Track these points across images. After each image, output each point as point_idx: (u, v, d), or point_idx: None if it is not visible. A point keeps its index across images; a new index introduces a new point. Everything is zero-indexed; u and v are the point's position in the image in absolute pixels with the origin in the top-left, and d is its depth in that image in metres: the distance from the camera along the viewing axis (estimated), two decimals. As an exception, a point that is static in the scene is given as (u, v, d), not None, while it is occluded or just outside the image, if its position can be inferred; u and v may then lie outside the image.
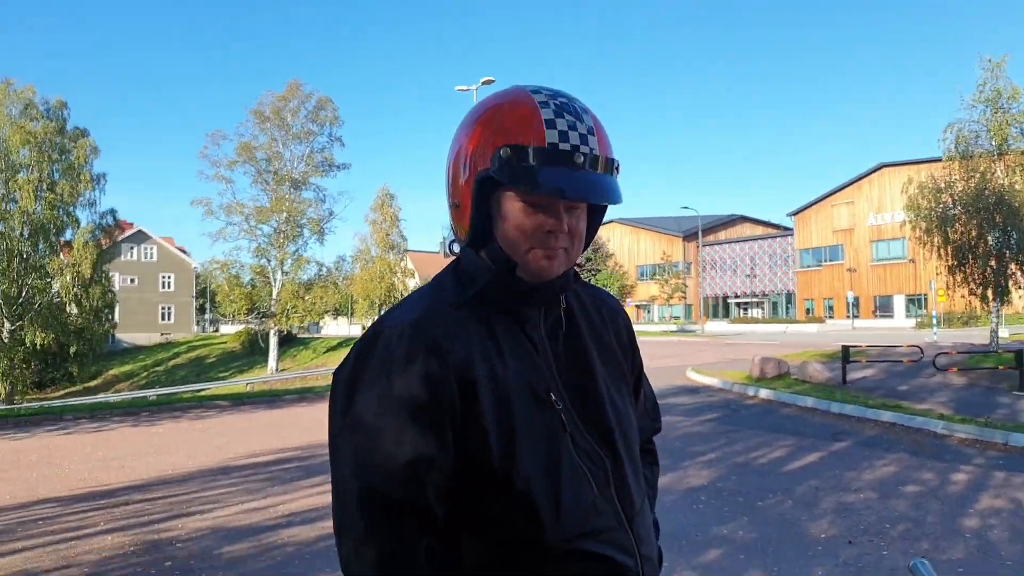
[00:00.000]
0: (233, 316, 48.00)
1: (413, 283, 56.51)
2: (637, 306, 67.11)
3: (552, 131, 1.05)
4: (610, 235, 68.74)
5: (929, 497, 6.48)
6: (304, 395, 16.69)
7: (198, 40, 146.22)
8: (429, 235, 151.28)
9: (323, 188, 42.38)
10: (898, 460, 8.10)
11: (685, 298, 61.76)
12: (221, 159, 39.97)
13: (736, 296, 62.76)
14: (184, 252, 68.54)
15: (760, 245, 61.83)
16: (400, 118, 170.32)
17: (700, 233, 60.65)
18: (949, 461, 8.02)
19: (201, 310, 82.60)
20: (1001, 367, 15.23)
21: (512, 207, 1.09)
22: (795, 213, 57.88)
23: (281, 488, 7.12)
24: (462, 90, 22.52)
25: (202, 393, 25.16)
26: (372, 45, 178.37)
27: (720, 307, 63.42)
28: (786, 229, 61.48)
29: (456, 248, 1.23)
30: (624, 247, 68.78)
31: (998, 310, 20.10)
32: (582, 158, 1.05)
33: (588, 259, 64.95)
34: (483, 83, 21.93)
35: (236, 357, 50.10)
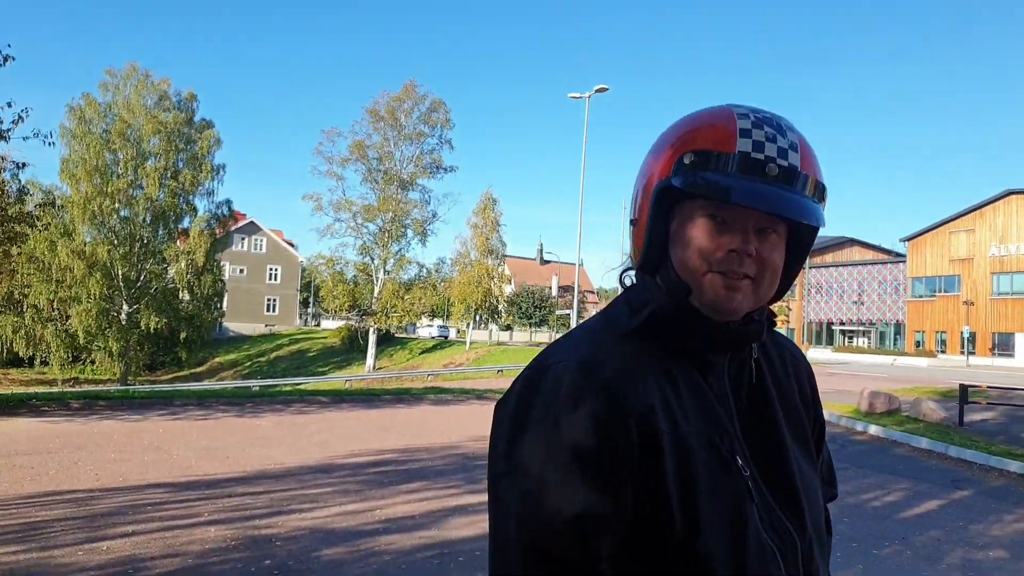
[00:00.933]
0: (335, 312, 49.60)
1: (510, 289, 56.95)
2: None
3: (746, 140, 0.94)
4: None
5: (1072, 563, 5.80)
6: (401, 396, 16.90)
7: (314, 39, 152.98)
8: (527, 242, 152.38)
9: (429, 189, 43.34)
10: (1033, 517, 7.35)
11: (788, 322, 59.38)
12: (335, 156, 41.44)
13: (841, 323, 59.83)
14: (292, 246, 71.37)
15: (869, 270, 58.75)
16: (507, 122, 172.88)
17: (808, 254, 58.12)
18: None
19: (305, 304, 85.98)
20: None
21: (692, 223, 0.97)
22: (909, 239, 54.70)
23: (379, 492, 7.12)
24: (575, 97, 22.36)
25: (303, 387, 25.98)
26: (484, 47, 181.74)
27: (824, 333, 60.61)
28: (898, 255, 58.21)
29: (627, 280, 1.09)
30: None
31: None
32: (777, 170, 0.93)
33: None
34: (597, 91, 21.72)
35: (336, 353, 51.72)
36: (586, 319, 1.11)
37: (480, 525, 6.04)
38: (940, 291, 52.47)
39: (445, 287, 52.00)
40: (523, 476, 0.91)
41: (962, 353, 47.93)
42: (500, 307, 54.90)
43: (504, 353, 43.76)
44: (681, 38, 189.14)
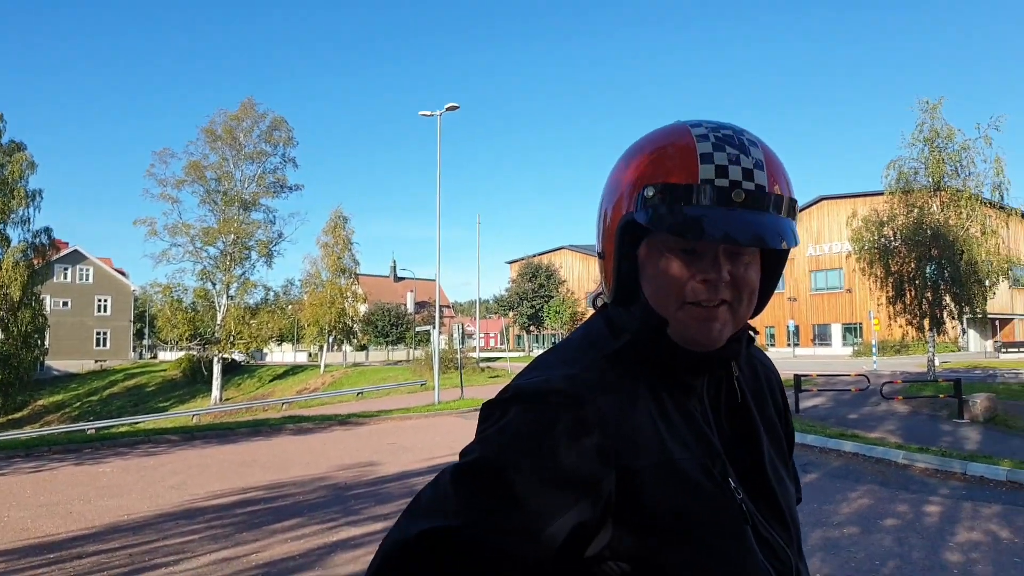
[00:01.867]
0: (174, 342, 46.42)
1: (364, 308, 55.84)
2: (587, 332, 67.36)
3: (708, 166, 0.90)
4: (561, 262, 69.24)
5: (908, 531, 6.54)
6: (259, 428, 16.09)
7: (143, 57, 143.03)
8: (380, 259, 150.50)
9: (273, 209, 41.72)
10: (870, 492, 8.21)
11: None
12: (168, 178, 38.89)
13: (683, 322, 63.59)
14: (123, 274, 66.22)
15: (707, 273, 62.92)
16: (357, 141, 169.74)
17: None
18: (917, 492, 8.15)
19: (139, 335, 79.88)
20: (941, 395, 15.75)
21: (660, 256, 0.94)
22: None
23: (252, 534, 6.75)
24: (425, 115, 22.34)
25: (148, 426, 24.12)
26: (330, 66, 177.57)
27: (667, 333, 64.12)
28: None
29: (599, 303, 1.10)
30: (575, 274, 69.27)
31: (934, 339, 20.81)
32: (742, 195, 0.89)
33: (541, 285, 65.20)
34: (447, 109, 21.81)
35: (177, 386, 48.38)
36: (568, 336, 1.07)
37: (365, 559, 5.90)
38: (769, 289, 57.34)
39: (295, 310, 50.15)
40: (495, 479, 0.86)
41: (789, 345, 52.81)
42: (355, 327, 53.70)
43: (362, 375, 42.82)
44: (534, 51, 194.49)
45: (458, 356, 26.65)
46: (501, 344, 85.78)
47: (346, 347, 60.81)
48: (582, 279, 69.06)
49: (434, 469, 10.39)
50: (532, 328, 67.16)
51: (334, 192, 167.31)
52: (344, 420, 17.69)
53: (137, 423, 27.06)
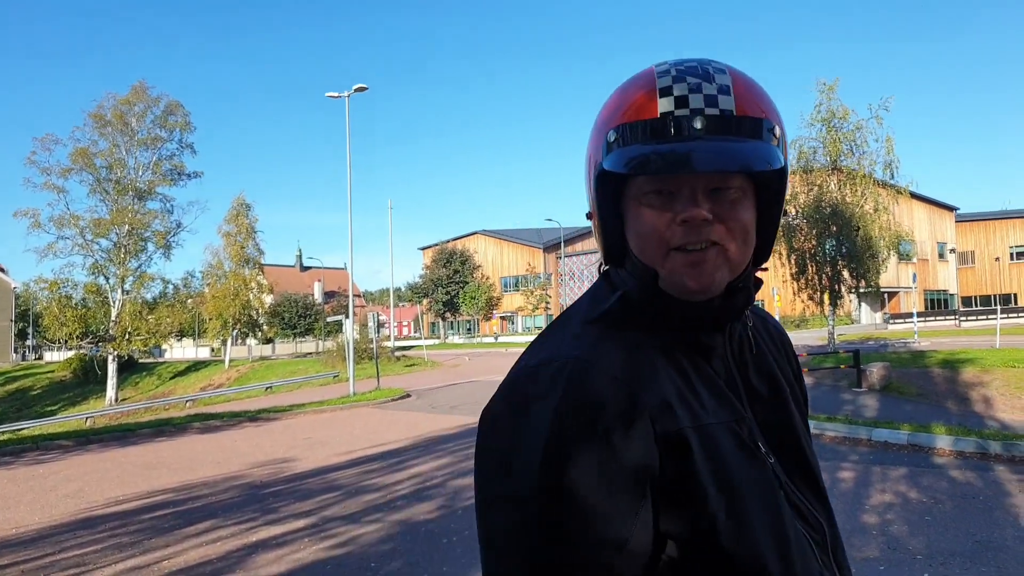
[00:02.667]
0: (63, 341, 43.59)
1: (270, 299, 54.09)
2: (502, 318, 67.73)
3: (667, 98, 0.84)
4: (476, 247, 69.11)
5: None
6: (162, 428, 15.18)
7: (20, 39, 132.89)
8: (286, 248, 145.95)
9: (171, 198, 39.48)
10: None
11: (548, 309, 63.06)
12: (53, 166, 36.22)
13: (594, 305, 64.75)
14: (2, 271, 61.72)
15: (614, 255, 64.20)
16: (260, 125, 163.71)
17: (562, 244, 62.19)
18: (830, 460, 8.46)
19: (21, 335, 74.92)
20: (842, 366, 16.59)
21: (637, 203, 0.88)
22: (646, 224, 60.67)
23: (161, 540, 6.30)
24: (332, 96, 21.50)
25: (34, 432, 22.48)
26: (229, 47, 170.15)
27: (579, 316, 65.19)
28: (638, 239, 64.24)
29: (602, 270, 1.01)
30: (489, 258, 69.32)
31: (834, 313, 21.90)
32: (704, 123, 0.83)
33: (456, 271, 64.88)
34: (356, 90, 21.09)
35: (66, 387, 45.49)
36: (570, 306, 0.99)
37: (290, 557, 5.61)
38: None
39: (196, 303, 48.01)
40: (553, 502, 0.78)
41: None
42: (261, 320, 51.94)
43: (270, 368, 41.48)
44: (443, 37, 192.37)
45: (374, 346, 26.08)
46: (415, 332, 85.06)
47: (251, 341, 58.83)
48: (497, 264, 69.20)
49: (355, 463, 10.14)
50: (448, 315, 66.85)
51: (236, 179, 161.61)
52: (255, 416, 17.01)
53: (20, 429, 25.18)
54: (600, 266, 1.02)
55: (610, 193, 0.90)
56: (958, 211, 58.70)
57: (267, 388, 30.36)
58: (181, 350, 67.46)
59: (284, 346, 62.99)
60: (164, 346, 53.51)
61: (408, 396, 19.99)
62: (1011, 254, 56.84)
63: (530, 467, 0.79)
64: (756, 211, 0.90)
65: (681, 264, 0.85)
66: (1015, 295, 55.45)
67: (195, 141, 45.01)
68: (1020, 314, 43.44)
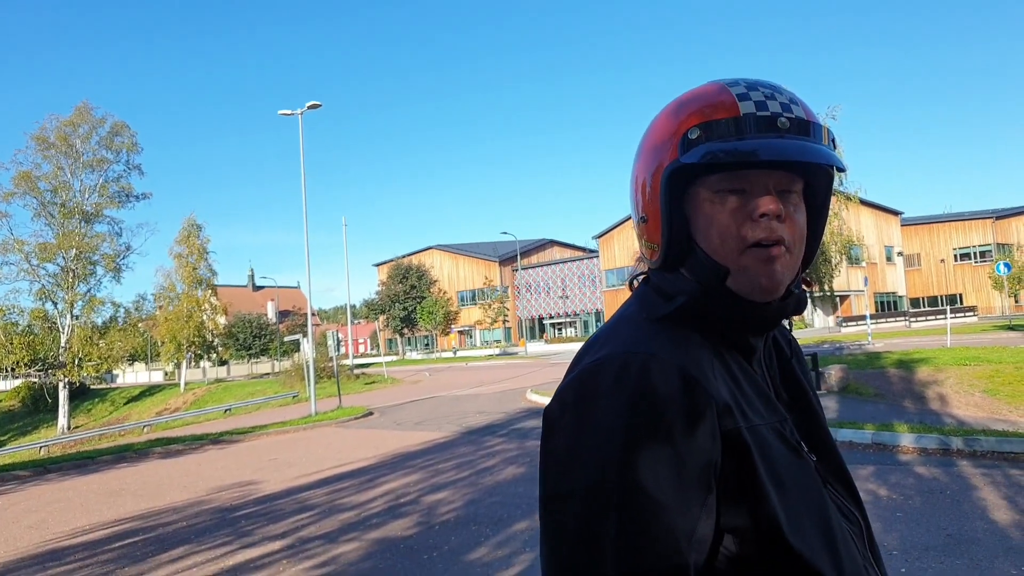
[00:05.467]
0: (11, 369, 42.03)
1: (224, 320, 52.99)
2: (460, 332, 67.53)
3: (747, 102, 0.89)
4: (432, 261, 68.88)
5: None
6: (123, 454, 14.71)
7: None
8: (238, 269, 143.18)
9: (119, 220, 38.68)
10: (758, 465, 8.58)
11: (507, 322, 63.14)
12: (-6, 191, 35.05)
13: (551, 317, 65.09)
14: (-60, 299, 59.13)
15: (570, 267, 64.70)
16: (209, 144, 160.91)
17: (519, 257, 62.40)
18: (799, 461, 8.62)
19: (-37, 365, 71.87)
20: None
21: (712, 202, 0.91)
22: (600, 236, 61.25)
23: (135, 568, 6.10)
24: (285, 114, 21.26)
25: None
26: (177, 66, 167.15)
27: (536, 328, 65.44)
28: (592, 251, 64.85)
29: (636, 284, 1.04)
30: (445, 273, 69.13)
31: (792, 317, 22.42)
32: (787, 123, 0.88)
33: (413, 286, 64.52)
34: (309, 107, 20.90)
35: (15, 417, 43.86)
36: (620, 309, 1.01)
37: (270, 581, 5.48)
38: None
39: (149, 326, 46.80)
40: (627, 493, 0.79)
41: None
42: (215, 341, 50.85)
43: (227, 390, 40.60)
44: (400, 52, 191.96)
45: (334, 364, 25.74)
46: (372, 349, 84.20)
47: (205, 363, 57.53)
48: (453, 278, 69.06)
49: (324, 482, 9.98)
50: (405, 330, 66.37)
51: (187, 199, 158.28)
52: (217, 438, 16.61)
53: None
54: (633, 280, 1.03)
55: (678, 194, 0.92)
56: (903, 215, 60.60)
57: (226, 410, 29.69)
58: (134, 375, 65.56)
59: (239, 367, 61.70)
60: (116, 371, 51.97)
61: (371, 414, 19.75)
62: (955, 255, 58.85)
63: (602, 459, 0.80)
64: None
65: (757, 259, 0.88)
66: (960, 295, 57.36)
67: (143, 162, 44.08)
68: (967, 313, 44.99)
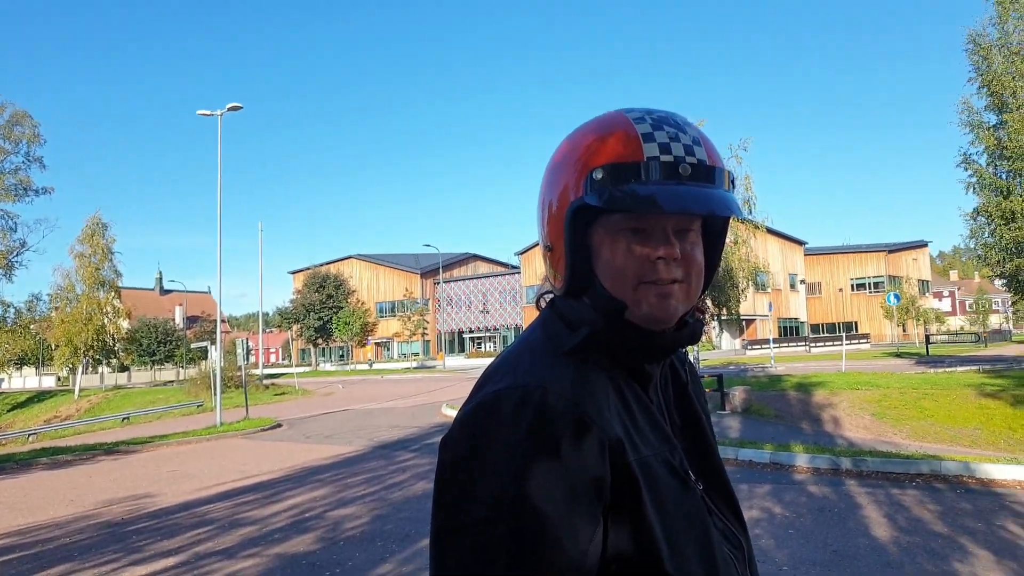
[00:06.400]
0: None
1: (126, 324, 50.52)
2: (377, 344, 66.58)
3: (651, 144, 0.91)
4: (350, 271, 67.77)
5: (700, 515, 7.07)
6: (2, 465, 13.77)
7: None
8: (145, 272, 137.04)
9: (14, 215, 36.31)
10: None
11: (426, 335, 62.68)
12: None
13: (471, 331, 65.06)
14: None
15: (492, 282, 64.90)
16: (123, 141, 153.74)
17: (441, 270, 62.16)
18: (701, 479, 8.89)
19: None
20: (708, 390, 17.50)
21: (613, 239, 0.93)
22: (522, 252, 61.76)
23: (9, 589, 5.73)
24: (204, 114, 20.54)
25: None
26: (88, 58, 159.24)
27: (456, 342, 65.25)
28: (514, 267, 65.30)
29: (543, 303, 1.04)
30: (364, 283, 68.13)
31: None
32: (689, 169, 0.90)
33: (330, 295, 63.30)
34: (229, 109, 20.28)
35: None
36: (524, 333, 1.02)
37: (159, 599, 5.24)
38: (548, 296, 60.29)
39: (42, 328, 44.15)
40: (520, 525, 0.80)
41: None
42: (116, 346, 48.42)
43: (126, 398, 38.66)
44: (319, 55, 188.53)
45: (243, 373, 24.90)
46: (283, 359, 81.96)
47: (104, 368, 54.70)
48: (372, 289, 68.12)
49: (226, 495, 9.64)
50: (320, 341, 64.94)
51: (93, 197, 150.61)
52: (111, 448, 15.78)
53: None
54: (540, 298, 1.05)
55: (581, 228, 0.94)
56: (806, 245, 63.70)
57: (124, 419, 28.23)
58: (21, 380, 61.65)
59: (141, 374, 58.97)
60: (1, 375, 48.74)
61: (279, 426, 19.20)
62: (852, 285, 62.23)
63: (495, 492, 0.81)
64: None
65: (652, 296, 0.92)
66: (856, 323, 60.57)
67: (45, 155, 41.71)
68: (861, 340, 47.57)
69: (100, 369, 53.63)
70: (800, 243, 62.80)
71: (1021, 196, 18.36)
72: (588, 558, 0.83)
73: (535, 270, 60.44)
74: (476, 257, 75.29)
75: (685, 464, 0.96)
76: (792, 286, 61.13)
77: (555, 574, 0.80)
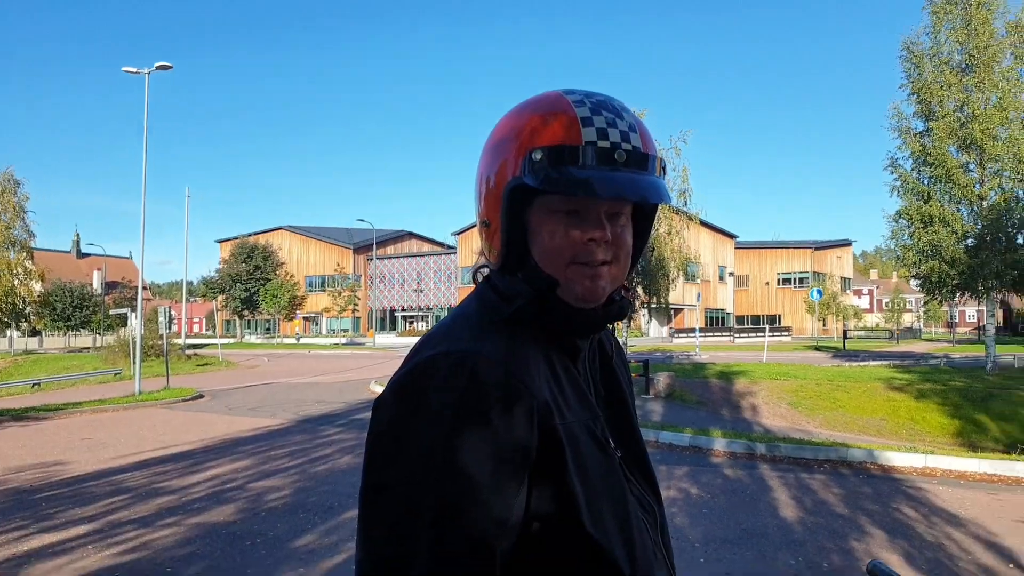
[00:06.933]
0: None
1: (39, 287, 48.19)
2: (306, 318, 65.42)
3: (589, 128, 0.94)
4: (280, 243, 66.24)
5: (620, 494, 7.29)
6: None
7: None
8: (64, 232, 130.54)
9: (-84, 168, 34.11)
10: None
11: (357, 311, 61.91)
12: None
13: (403, 309, 64.63)
14: None
15: (427, 261, 64.56)
16: (41, 96, 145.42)
17: (375, 246, 61.35)
18: (623, 460, 9.14)
19: None
20: (634, 375, 17.95)
21: (548, 218, 0.96)
22: (458, 233, 61.58)
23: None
24: (130, 72, 19.59)
25: None
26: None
27: (388, 320, 64.72)
28: (451, 247, 65.06)
29: (480, 276, 1.07)
30: (294, 256, 66.72)
31: (628, 326, 23.62)
32: (624, 156, 0.94)
33: (257, 267, 61.79)
34: (158, 68, 19.44)
35: None
36: (459, 306, 1.05)
37: (72, 566, 5.12)
38: (483, 277, 60.43)
39: (-54, 288, 41.71)
40: (441, 480, 0.83)
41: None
42: (27, 309, 46.14)
43: (37, 363, 37.00)
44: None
45: (164, 342, 24.14)
46: (207, 329, 79.69)
47: (14, 333, 52.11)
48: (302, 262, 66.80)
49: (143, 464, 9.40)
50: (246, 313, 63.38)
51: (5, 154, 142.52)
52: (20, 415, 15.14)
53: None
54: (477, 271, 1.08)
55: (517, 206, 0.97)
56: (737, 239, 65.51)
57: (34, 384, 27.03)
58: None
59: (54, 340, 56.48)
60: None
61: (201, 396, 18.77)
62: (778, 280, 64.37)
63: (425, 450, 0.85)
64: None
65: (582, 275, 0.96)
66: (779, 316, 62.75)
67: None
68: (783, 333, 49.37)
69: (9, 333, 51.05)
70: (731, 236, 64.51)
71: (939, 202, 19.33)
72: (511, 518, 0.87)
73: (471, 250, 60.34)
74: (412, 235, 74.64)
75: (606, 432, 1.00)
76: (721, 278, 62.82)
77: (478, 532, 0.83)
